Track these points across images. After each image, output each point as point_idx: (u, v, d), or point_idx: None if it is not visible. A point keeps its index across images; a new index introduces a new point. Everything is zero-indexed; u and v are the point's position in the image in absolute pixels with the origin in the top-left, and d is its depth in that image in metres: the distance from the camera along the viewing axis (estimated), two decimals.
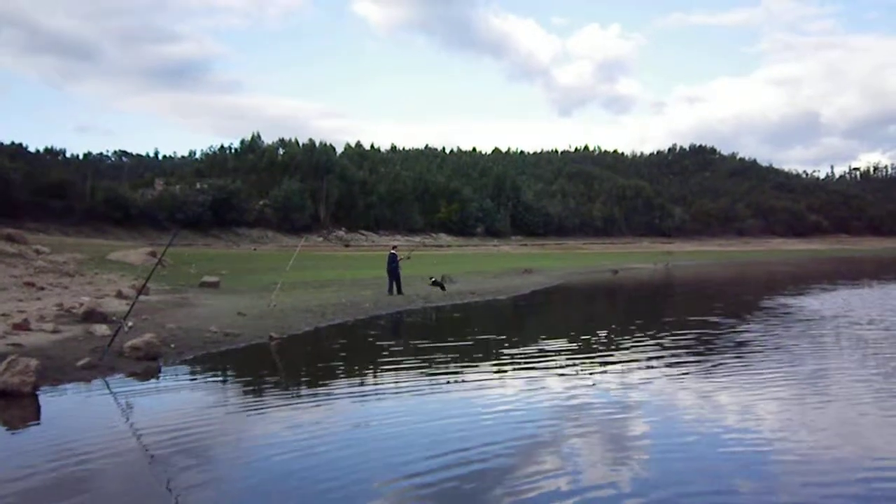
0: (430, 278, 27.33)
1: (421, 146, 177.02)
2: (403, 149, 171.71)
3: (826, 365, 12.47)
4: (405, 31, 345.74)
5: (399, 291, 24.57)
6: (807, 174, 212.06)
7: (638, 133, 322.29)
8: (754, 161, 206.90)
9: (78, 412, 8.77)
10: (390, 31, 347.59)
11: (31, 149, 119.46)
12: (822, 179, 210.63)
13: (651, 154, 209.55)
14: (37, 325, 13.26)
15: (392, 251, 25.89)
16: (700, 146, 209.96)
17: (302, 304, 19.83)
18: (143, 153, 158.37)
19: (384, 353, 13.63)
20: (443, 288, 26.36)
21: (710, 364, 12.58)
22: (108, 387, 10.06)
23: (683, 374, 11.72)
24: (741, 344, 14.87)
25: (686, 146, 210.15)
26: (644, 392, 10.20)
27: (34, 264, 24.81)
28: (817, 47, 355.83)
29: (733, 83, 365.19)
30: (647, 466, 6.89)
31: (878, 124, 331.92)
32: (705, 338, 15.79)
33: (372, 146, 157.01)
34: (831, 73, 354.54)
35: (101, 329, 13.16)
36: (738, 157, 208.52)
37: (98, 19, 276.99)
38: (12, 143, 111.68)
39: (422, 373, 11.77)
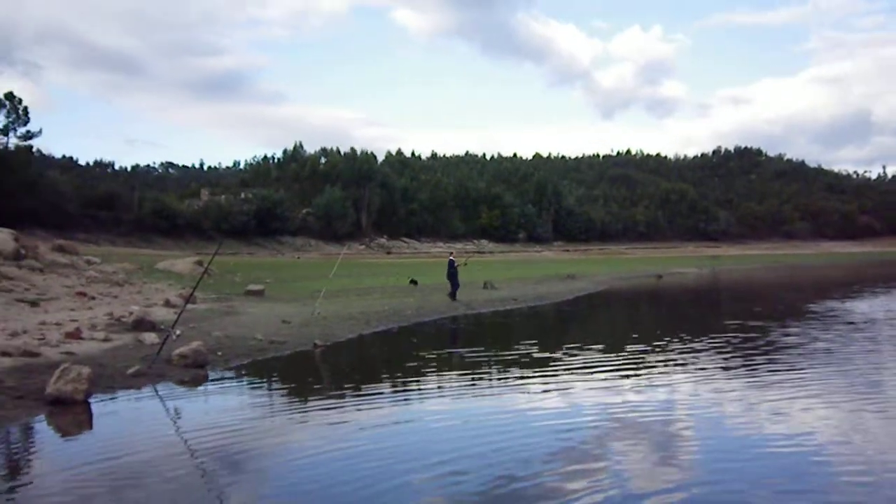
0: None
1: (461, 153, 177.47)
2: (444, 156, 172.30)
3: (880, 370, 12.06)
4: (445, 38, 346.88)
5: (452, 297, 24.87)
6: (858, 174, 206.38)
7: (681, 136, 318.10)
8: (802, 162, 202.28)
9: (129, 419, 8.90)
10: (430, 38, 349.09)
11: (82, 162, 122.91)
12: (874, 180, 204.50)
13: (695, 157, 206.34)
14: (88, 333, 13.55)
15: (450, 258, 26.47)
16: (745, 148, 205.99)
17: (345, 312, 19.92)
18: (189, 164, 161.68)
19: (428, 359, 13.59)
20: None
21: (760, 370, 12.26)
22: (158, 394, 10.20)
23: (734, 380, 11.44)
24: (792, 348, 14.48)
25: (731, 148, 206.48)
26: (695, 399, 9.99)
27: (85, 274, 25.40)
28: (868, 44, 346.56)
29: (780, 83, 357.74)
30: (699, 474, 6.71)
31: None
32: (754, 343, 15.41)
33: (413, 154, 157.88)
34: (883, 70, 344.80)
35: (150, 337, 13.38)
36: (785, 158, 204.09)
37: (145, 34, 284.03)
38: (63, 157, 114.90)
39: (466, 379, 11.70)
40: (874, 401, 9.77)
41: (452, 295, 25.14)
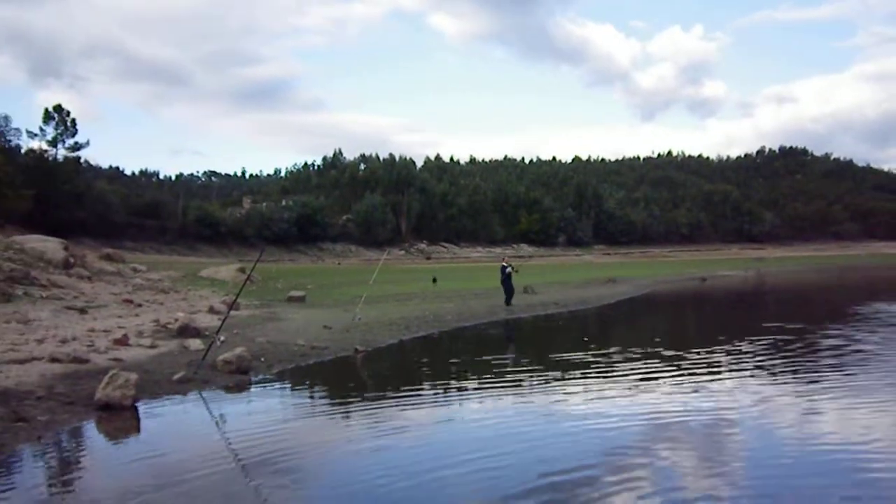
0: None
1: (500, 157, 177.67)
2: (483, 160, 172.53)
3: None
4: (482, 42, 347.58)
5: (507, 303, 24.89)
6: None
7: (724, 136, 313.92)
8: (850, 161, 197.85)
9: (175, 424, 9.01)
10: (467, 43, 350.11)
11: (128, 171, 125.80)
12: None
13: (738, 157, 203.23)
14: (135, 340, 13.79)
15: (503, 263, 26.39)
16: (791, 147, 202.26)
17: (386, 318, 19.97)
18: (231, 173, 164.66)
19: (468, 364, 13.52)
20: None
21: (809, 374, 11.95)
22: (203, 400, 10.32)
23: (782, 384, 11.15)
24: (840, 352, 14.07)
25: (776, 148, 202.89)
26: (741, 404, 9.76)
27: (132, 282, 25.94)
28: None
29: (825, 80, 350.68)
30: (745, 481, 6.54)
31: None
32: (802, 346, 15.04)
33: (451, 159, 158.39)
34: None
35: (195, 343, 13.56)
36: (832, 157, 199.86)
37: (187, 45, 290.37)
38: (110, 167, 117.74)
39: (509, 385, 11.61)
40: None
41: (507, 301, 25.04)
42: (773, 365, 13.00)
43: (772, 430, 8.49)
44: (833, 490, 6.30)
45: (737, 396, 10.34)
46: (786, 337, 16.69)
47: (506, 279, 25.56)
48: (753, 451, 7.63)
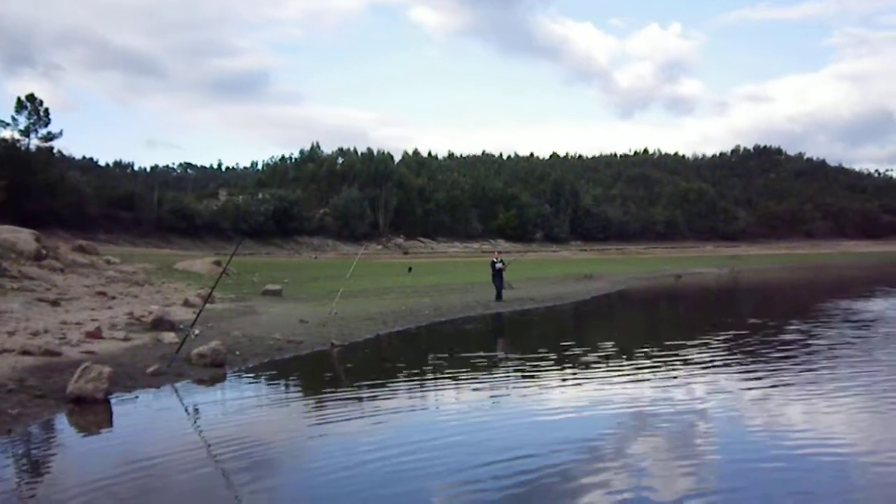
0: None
1: (478, 152, 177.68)
2: (461, 155, 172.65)
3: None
4: (462, 37, 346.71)
5: (497, 297, 25.12)
6: (879, 173, 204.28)
7: (700, 134, 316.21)
8: (823, 161, 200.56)
9: (148, 418, 8.95)
10: (447, 37, 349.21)
11: (102, 162, 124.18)
12: None
13: (713, 156, 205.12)
14: (108, 333, 13.66)
15: (493, 258, 26.72)
16: (765, 146, 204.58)
17: (362, 312, 19.95)
18: (208, 165, 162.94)
19: (444, 359, 13.56)
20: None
21: (779, 369, 12.13)
22: (177, 393, 10.26)
23: (753, 379, 11.31)
24: (811, 348, 14.30)
25: (750, 147, 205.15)
26: (713, 398, 9.89)
27: (105, 274, 25.64)
28: (892, 41, 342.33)
29: (800, 80, 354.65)
30: (715, 474, 6.65)
31: None
32: (773, 343, 15.25)
33: (429, 153, 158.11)
34: None
35: (170, 337, 13.47)
36: (805, 156, 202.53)
37: (162, 35, 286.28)
38: (84, 158, 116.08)
39: (483, 379, 11.67)
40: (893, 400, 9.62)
41: (497, 296, 25.19)
42: (745, 360, 13.19)
43: (729, 421, 8.62)
44: (769, 471, 6.42)
45: (696, 388, 10.49)
46: (750, 332, 16.94)
47: (496, 274, 25.68)
48: (721, 445, 7.74)
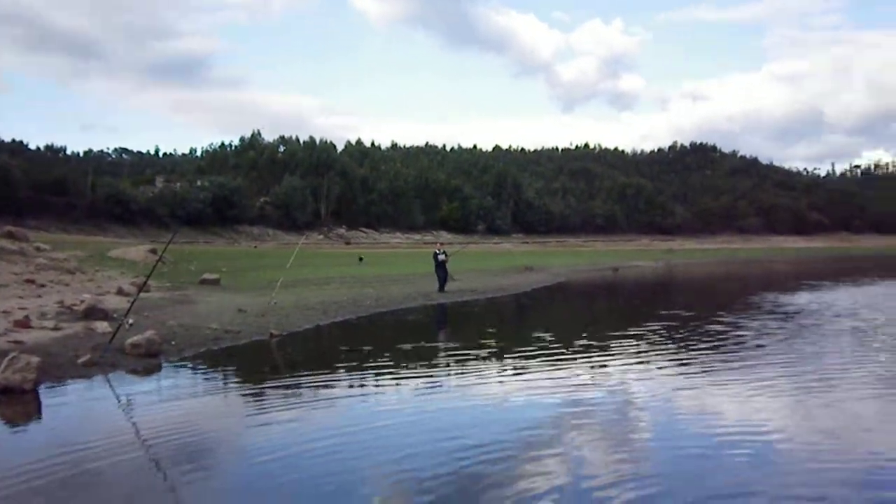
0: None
1: (422, 143, 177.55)
2: (404, 146, 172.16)
3: (824, 360, 12.43)
4: (405, 26, 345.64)
5: (440, 289, 25.36)
6: (808, 172, 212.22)
7: (640, 130, 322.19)
8: (755, 159, 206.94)
9: (79, 409, 8.76)
10: (390, 25, 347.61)
11: (33, 146, 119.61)
12: (824, 177, 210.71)
13: (652, 151, 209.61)
14: (38, 322, 13.27)
15: (436, 250, 26.95)
16: (701, 144, 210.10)
17: (303, 302, 19.83)
18: (145, 151, 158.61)
19: (384, 350, 13.60)
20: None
21: (708, 360, 12.55)
22: (110, 384, 10.06)
23: (682, 370, 11.69)
24: (738, 339, 14.83)
25: (687, 144, 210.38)
26: (645, 390, 10.18)
27: (35, 262, 24.81)
28: (824, 43, 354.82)
29: (737, 80, 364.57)
30: (649, 463, 6.87)
31: (883, 122, 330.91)
32: (703, 333, 15.76)
33: (373, 143, 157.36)
34: (838, 69, 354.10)
35: (103, 326, 13.16)
36: (738, 154, 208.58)
37: (101, 16, 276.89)
38: (13, 141, 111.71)
39: (422, 370, 11.77)
40: (820, 390, 10.07)
41: (440, 287, 25.39)
42: (676, 351, 13.60)
43: (657, 408, 8.91)
44: (695, 454, 6.70)
45: (627, 376, 10.79)
46: (678, 324, 17.46)
47: (439, 266, 25.83)
48: (653, 435, 7.99)
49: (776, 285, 34.04)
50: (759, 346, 14.22)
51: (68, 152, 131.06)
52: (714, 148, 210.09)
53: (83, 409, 8.75)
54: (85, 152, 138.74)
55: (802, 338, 15.33)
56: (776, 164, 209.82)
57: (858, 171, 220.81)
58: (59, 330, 12.79)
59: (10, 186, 67.92)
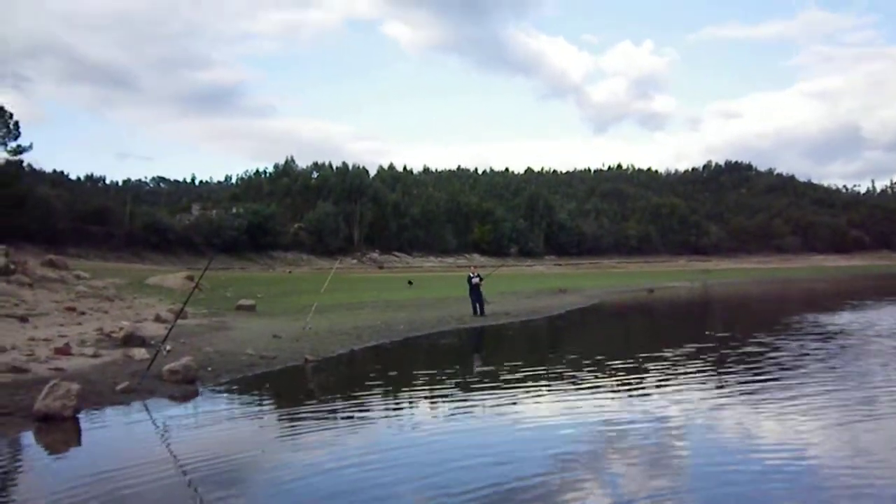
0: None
1: (453, 167, 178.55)
2: (436, 170, 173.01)
3: (868, 382, 12.08)
4: (436, 52, 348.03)
5: (476, 313, 25.32)
6: (847, 189, 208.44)
7: (673, 150, 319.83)
8: (792, 176, 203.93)
9: (118, 436, 8.84)
10: (421, 52, 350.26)
11: (73, 176, 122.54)
12: (863, 194, 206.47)
13: (686, 171, 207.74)
14: (77, 349, 13.47)
15: (470, 273, 26.70)
16: (736, 162, 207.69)
17: (337, 327, 19.88)
18: (181, 179, 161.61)
19: (419, 375, 13.55)
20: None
21: (750, 382, 12.28)
22: (147, 410, 10.14)
23: (719, 391, 11.45)
24: (781, 361, 14.50)
25: (721, 163, 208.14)
26: (684, 412, 9.98)
27: (75, 289, 25.29)
28: (857, 59, 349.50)
29: (770, 97, 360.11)
30: (687, 489, 6.71)
31: None
32: (744, 356, 15.44)
33: (405, 168, 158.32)
34: (873, 84, 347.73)
35: (140, 353, 13.31)
36: (775, 172, 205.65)
37: (134, 46, 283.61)
38: (54, 171, 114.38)
39: (458, 396, 11.68)
40: (864, 412, 9.78)
41: (478, 311, 25.33)
42: (717, 374, 13.34)
43: (696, 431, 8.71)
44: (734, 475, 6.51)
45: (680, 405, 10.58)
46: (716, 345, 17.16)
47: (473, 289, 25.71)
48: (695, 460, 7.81)
49: (816, 305, 33.31)
50: (797, 366, 13.90)
51: (107, 181, 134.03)
52: (749, 166, 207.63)
53: (121, 436, 8.82)
54: (124, 181, 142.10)
55: (842, 358, 14.96)
56: (814, 181, 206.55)
57: None
58: (98, 357, 12.98)
59: (52, 216, 69.54)
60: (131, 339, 14.54)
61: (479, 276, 26.33)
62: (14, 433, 8.47)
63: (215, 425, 9.41)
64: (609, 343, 20.32)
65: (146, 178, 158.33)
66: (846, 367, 13.78)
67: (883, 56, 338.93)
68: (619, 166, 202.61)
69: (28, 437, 8.45)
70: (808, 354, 15.55)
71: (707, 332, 20.64)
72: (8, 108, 71.74)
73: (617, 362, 14.92)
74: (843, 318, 24.61)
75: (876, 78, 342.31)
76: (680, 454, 8.01)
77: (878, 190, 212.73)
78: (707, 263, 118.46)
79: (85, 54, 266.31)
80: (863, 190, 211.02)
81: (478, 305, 25.51)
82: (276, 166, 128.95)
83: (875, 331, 20.18)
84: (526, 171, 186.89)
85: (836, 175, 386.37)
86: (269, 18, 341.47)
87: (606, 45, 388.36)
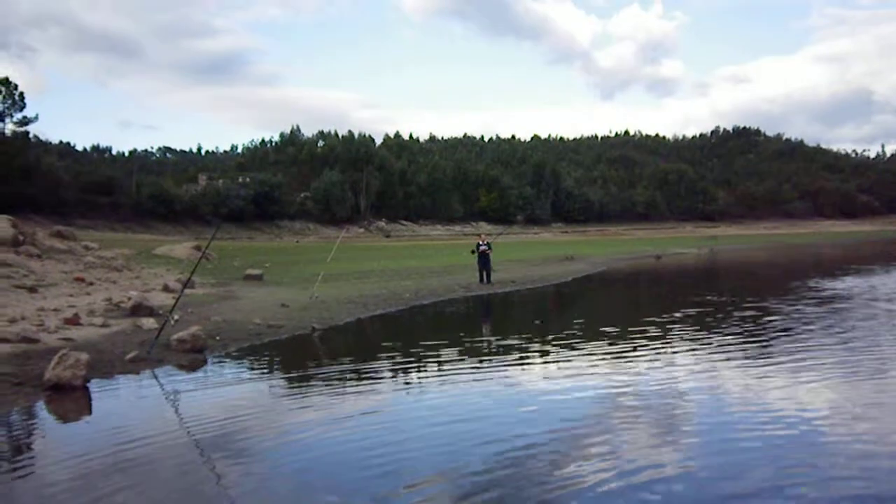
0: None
1: (459, 135, 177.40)
2: (442, 138, 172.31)
3: (877, 347, 12.12)
4: (441, 17, 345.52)
5: (483, 280, 25.42)
6: (856, 153, 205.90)
7: (681, 116, 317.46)
8: (801, 141, 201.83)
9: (127, 404, 8.95)
10: (426, 18, 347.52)
11: (79, 147, 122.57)
12: (873, 159, 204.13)
13: (693, 137, 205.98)
14: (87, 319, 13.59)
15: (479, 241, 26.61)
16: (744, 128, 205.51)
17: (343, 296, 19.97)
18: (187, 149, 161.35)
19: (425, 342, 13.63)
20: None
21: (758, 347, 12.32)
22: (157, 379, 10.26)
23: (729, 358, 11.49)
24: (787, 326, 14.54)
25: (729, 128, 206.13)
26: (691, 377, 10.04)
27: (83, 260, 25.42)
28: (870, 21, 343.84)
29: (780, 61, 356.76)
30: (697, 453, 6.78)
31: None
32: (752, 321, 15.48)
33: (411, 136, 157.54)
34: (884, 48, 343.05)
35: (149, 322, 13.43)
36: (783, 137, 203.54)
37: (138, 15, 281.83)
38: (60, 142, 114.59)
39: (464, 362, 11.75)
40: (873, 378, 9.83)
41: (483, 278, 25.41)
42: (724, 338, 13.39)
43: (703, 396, 8.76)
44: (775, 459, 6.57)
45: (687, 370, 10.63)
46: (721, 311, 17.20)
47: (482, 256, 25.75)
48: (702, 423, 7.87)
49: (820, 270, 33.23)
50: (791, 328, 13.94)
51: (113, 152, 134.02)
52: (757, 131, 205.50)
53: (131, 404, 8.94)
54: (130, 152, 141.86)
55: (833, 319, 15.09)
56: (823, 146, 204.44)
57: None
58: (107, 327, 13.09)
59: (59, 187, 69.74)
60: (140, 309, 14.65)
61: (487, 244, 26.32)
62: (25, 402, 8.58)
63: (224, 393, 9.50)
64: (617, 310, 20.37)
65: (152, 148, 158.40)
66: (836, 329, 14.08)
67: (895, 19, 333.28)
68: (627, 132, 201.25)
69: (39, 407, 8.57)
70: (803, 318, 15.86)
71: (712, 298, 20.66)
72: (13, 78, 71.74)
73: (625, 329, 14.97)
74: (844, 284, 24.64)
75: (888, 41, 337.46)
76: (685, 420, 8.07)
77: (889, 155, 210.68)
78: (715, 229, 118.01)
79: (89, 23, 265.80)
80: (872, 155, 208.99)
81: (485, 273, 25.54)
82: (281, 135, 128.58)
83: (872, 294, 20.60)
84: (532, 138, 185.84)
85: (846, 139, 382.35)
86: None
87: (614, 9, 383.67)
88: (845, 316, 16.31)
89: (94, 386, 9.46)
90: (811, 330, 14.30)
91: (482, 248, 25.92)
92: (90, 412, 8.60)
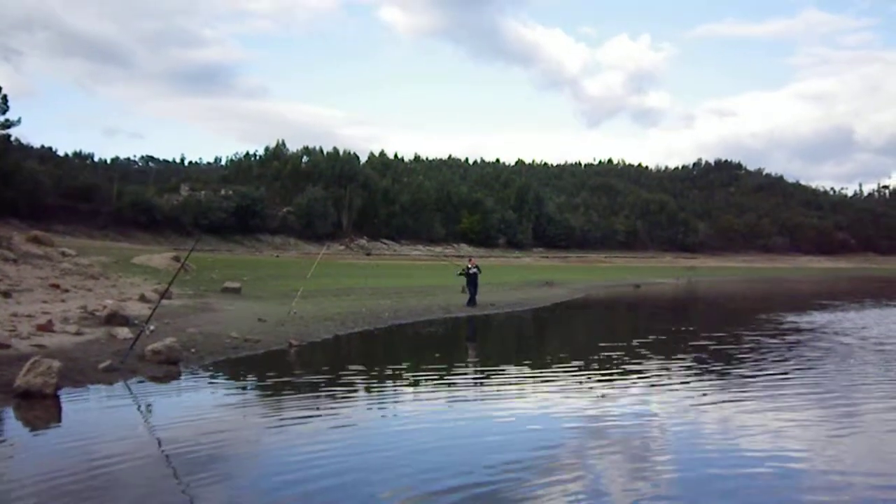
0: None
1: (444, 156, 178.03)
2: (427, 159, 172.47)
3: (850, 384, 12.26)
4: (432, 38, 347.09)
5: (471, 303, 25.67)
6: (834, 191, 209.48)
7: (664, 146, 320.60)
8: (781, 177, 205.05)
9: (98, 414, 8.85)
10: (417, 38, 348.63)
11: (61, 152, 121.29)
12: (851, 197, 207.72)
13: (676, 168, 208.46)
14: (60, 326, 13.43)
15: (468, 265, 27.10)
16: (726, 161, 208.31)
17: (322, 312, 19.90)
18: (170, 158, 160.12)
19: (401, 362, 13.61)
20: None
21: (728, 379, 12.42)
22: (129, 390, 10.15)
23: (702, 389, 11.57)
24: (759, 359, 14.67)
25: (711, 161, 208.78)
26: (662, 408, 10.10)
27: (60, 266, 25.14)
28: (853, 61, 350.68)
29: (764, 97, 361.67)
30: (667, 485, 6.81)
31: None
32: (724, 353, 15.61)
33: (395, 155, 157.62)
34: (866, 88, 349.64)
35: (124, 332, 13.29)
36: (764, 172, 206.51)
37: (127, 22, 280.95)
38: (42, 147, 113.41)
39: (439, 383, 11.75)
40: (843, 414, 9.94)
41: (470, 301, 25.62)
42: (695, 369, 13.48)
43: (675, 427, 8.82)
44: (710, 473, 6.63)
45: (658, 401, 10.70)
46: (712, 345, 17.31)
47: (471, 279, 26.05)
48: (673, 455, 7.92)
49: (790, 304, 33.64)
50: (749, 358, 14.09)
51: (96, 159, 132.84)
52: (739, 165, 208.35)
53: (102, 415, 8.84)
54: (112, 159, 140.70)
55: (808, 355, 15.25)
56: (803, 182, 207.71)
57: (887, 191, 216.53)
58: (81, 335, 12.95)
59: (39, 192, 68.97)
60: (115, 318, 14.50)
61: (476, 266, 26.76)
62: None
63: (196, 407, 9.42)
64: (593, 337, 20.45)
65: (135, 156, 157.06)
66: (795, 360, 14.34)
67: (879, 60, 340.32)
68: (610, 161, 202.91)
69: (7, 413, 8.45)
70: (764, 348, 16.38)
71: (690, 330, 20.82)
72: None
73: (600, 357, 15.04)
74: (809, 318, 25.03)
75: (871, 82, 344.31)
76: (659, 451, 8.11)
77: (866, 193, 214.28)
78: (693, 260, 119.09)
79: (76, 28, 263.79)
80: (850, 193, 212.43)
81: (471, 295, 25.82)
82: (266, 149, 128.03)
83: (832, 329, 21.15)
84: (517, 162, 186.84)
85: (826, 176, 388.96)
86: None
87: (604, 38, 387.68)
88: (803, 349, 16.67)
89: (65, 395, 9.34)
90: (768, 357, 14.84)
91: (472, 270, 26.23)
92: (59, 421, 8.48)
